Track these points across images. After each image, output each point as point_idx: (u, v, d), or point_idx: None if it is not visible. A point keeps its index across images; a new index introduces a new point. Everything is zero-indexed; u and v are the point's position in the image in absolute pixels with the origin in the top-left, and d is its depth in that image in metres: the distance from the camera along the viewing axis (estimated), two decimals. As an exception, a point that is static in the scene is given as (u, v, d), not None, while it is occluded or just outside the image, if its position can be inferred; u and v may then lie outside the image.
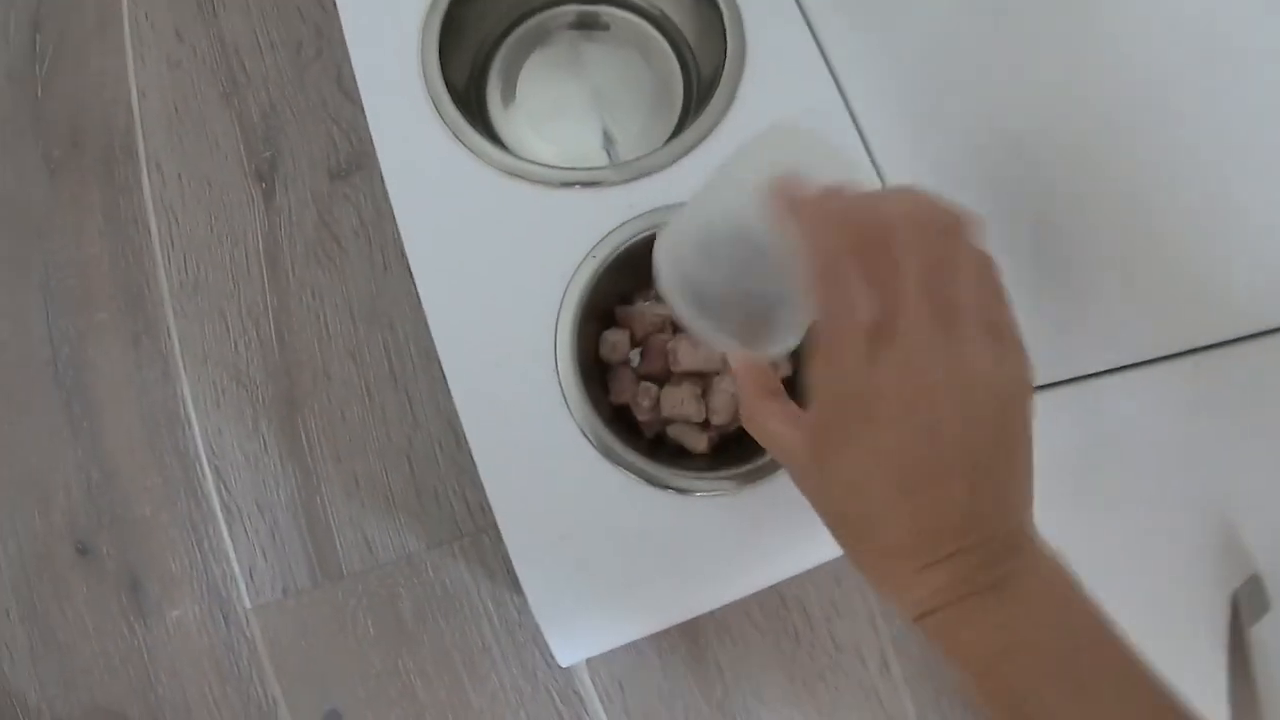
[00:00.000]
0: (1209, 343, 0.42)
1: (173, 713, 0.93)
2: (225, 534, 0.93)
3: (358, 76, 0.68)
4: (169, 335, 0.97)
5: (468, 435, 0.60)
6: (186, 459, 0.94)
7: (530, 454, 0.61)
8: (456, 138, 0.66)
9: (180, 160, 1.03)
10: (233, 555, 0.92)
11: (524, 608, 0.89)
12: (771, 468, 0.61)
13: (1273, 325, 0.38)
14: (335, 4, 0.71)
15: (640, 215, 0.63)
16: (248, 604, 0.92)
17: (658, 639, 0.88)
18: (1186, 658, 0.48)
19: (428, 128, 0.66)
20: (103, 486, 0.97)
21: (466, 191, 0.65)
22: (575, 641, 0.61)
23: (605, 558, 0.60)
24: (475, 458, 0.60)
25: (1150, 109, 0.41)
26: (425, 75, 0.68)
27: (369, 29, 0.70)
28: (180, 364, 0.96)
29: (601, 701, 0.87)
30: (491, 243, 0.64)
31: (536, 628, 0.86)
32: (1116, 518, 0.54)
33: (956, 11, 0.52)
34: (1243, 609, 0.43)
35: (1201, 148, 0.39)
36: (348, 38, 0.70)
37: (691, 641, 0.88)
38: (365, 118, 0.67)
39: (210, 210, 1.00)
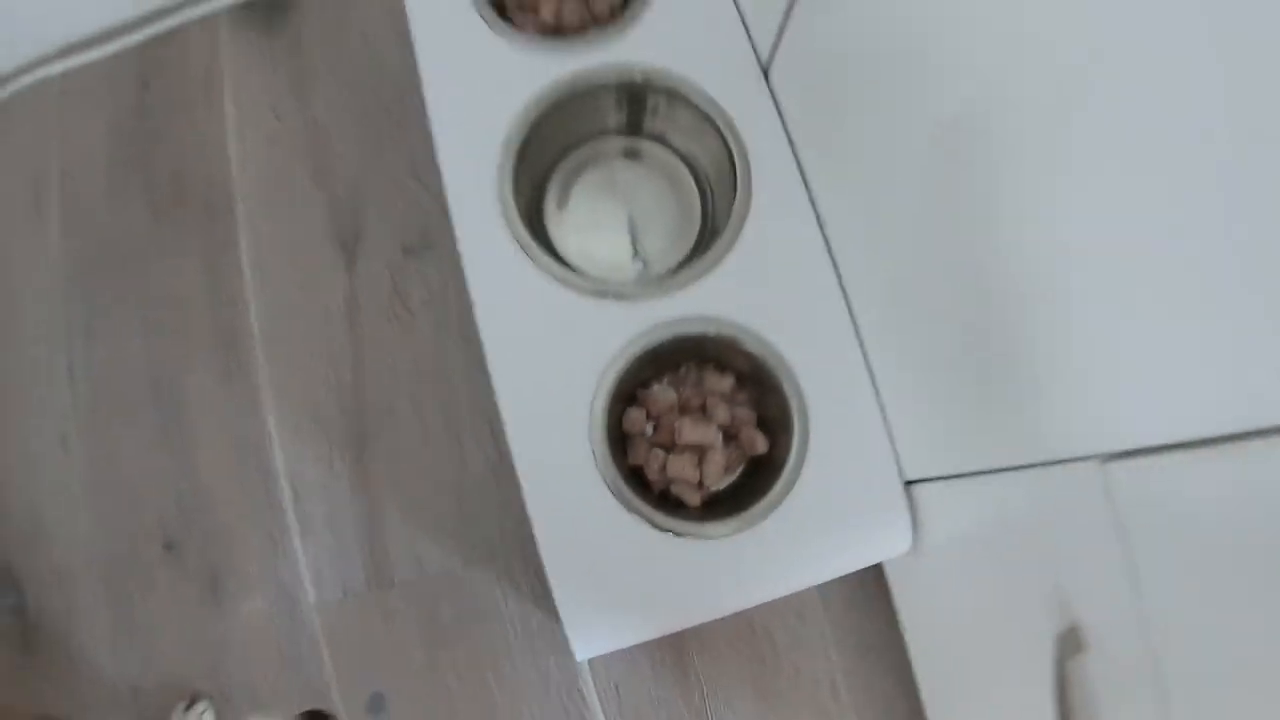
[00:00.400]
0: (1050, 460, 0.61)
1: (239, 689, 1.11)
2: (297, 543, 1.11)
3: (448, 196, 0.88)
4: (258, 374, 1.16)
5: (521, 482, 0.80)
6: (269, 478, 1.13)
7: (566, 498, 0.80)
8: (523, 251, 0.86)
9: (273, 224, 1.22)
10: (302, 560, 1.11)
11: (542, 620, 1.07)
12: (748, 523, 0.80)
13: (1080, 455, 0.57)
14: (425, 104, 0.91)
15: (660, 325, 0.83)
16: (311, 601, 1.10)
17: (649, 652, 1.06)
18: (1025, 686, 0.67)
19: (502, 242, 0.86)
20: (192, 496, 1.16)
21: (529, 294, 0.84)
22: (590, 642, 0.80)
23: (617, 580, 0.79)
24: (526, 498, 0.79)
25: (1014, 306, 0.60)
26: (501, 199, 0.87)
27: (460, 156, 0.90)
28: (267, 398, 1.15)
29: (600, 701, 1.06)
30: (547, 335, 0.83)
31: (551, 637, 1.05)
32: (984, 578, 0.74)
33: (915, 211, 0.71)
34: (1064, 649, 0.62)
35: (1044, 331, 0.58)
36: (441, 163, 0.89)
37: (678, 656, 1.06)
38: (436, 205, 0.85)
39: (299, 270, 1.19)
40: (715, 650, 1.07)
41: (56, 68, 1.35)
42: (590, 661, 1.07)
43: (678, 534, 0.80)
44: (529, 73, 0.91)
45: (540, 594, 1.08)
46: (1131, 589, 0.55)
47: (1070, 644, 0.62)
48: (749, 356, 0.83)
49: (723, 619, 1.05)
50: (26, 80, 1.35)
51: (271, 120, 1.28)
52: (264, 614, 1.11)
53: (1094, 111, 0.48)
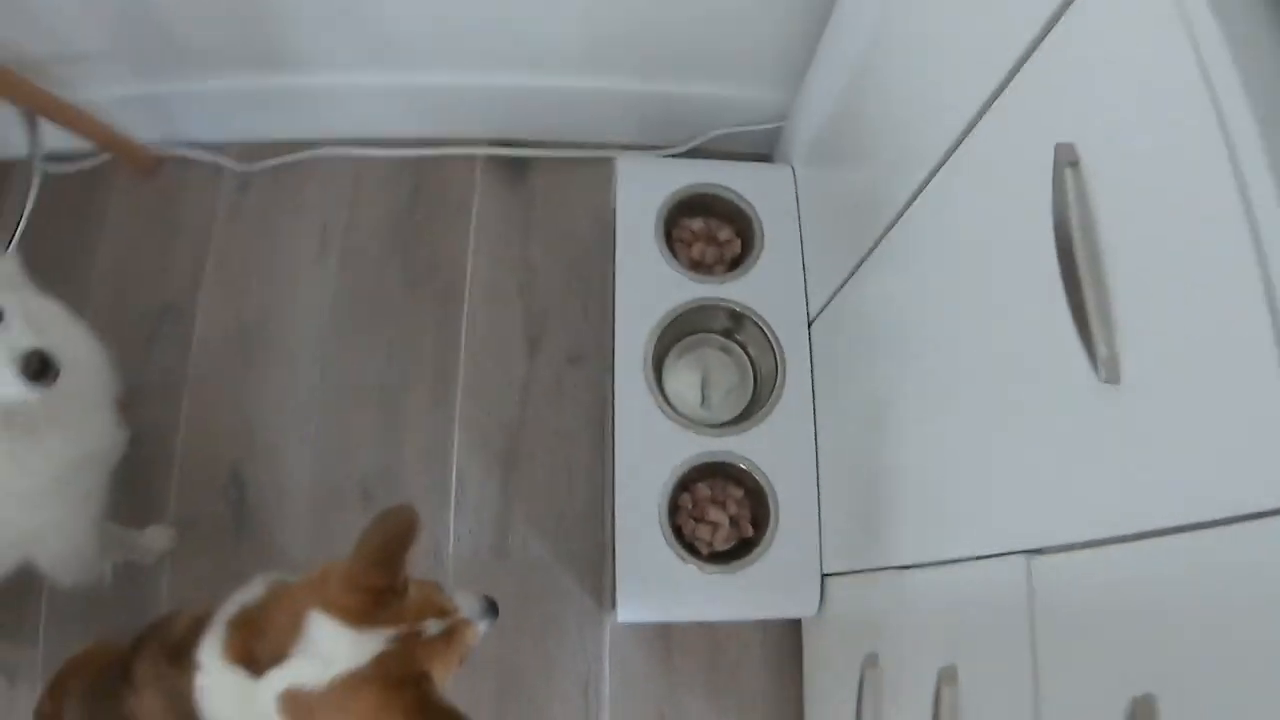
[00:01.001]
0: (873, 568, 1.26)
1: (388, 597, 1.75)
2: (452, 514, 1.77)
3: (616, 343, 1.56)
4: (455, 407, 1.84)
5: (617, 517, 1.45)
6: (445, 470, 1.79)
7: (639, 532, 1.46)
8: (649, 390, 1.53)
9: (487, 315, 1.90)
10: (453, 525, 1.77)
11: (591, 605, 1.72)
12: (732, 571, 1.45)
13: (890, 565, 1.22)
14: (614, 285, 1.58)
15: (711, 451, 1.49)
16: (450, 553, 1.75)
17: (650, 642, 1.70)
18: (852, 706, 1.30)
19: (639, 380, 1.53)
20: (391, 468, 1.81)
21: (648, 415, 1.51)
22: (631, 613, 1.45)
23: (655, 583, 1.44)
24: (616, 527, 1.45)
25: (876, 496, 1.26)
26: (645, 356, 1.55)
27: (629, 322, 1.57)
28: (458, 425, 1.82)
29: (609, 665, 1.69)
30: (651, 439, 1.50)
31: (594, 618, 1.69)
32: (840, 630, 1.38)
33: (855, 425, 1.38)
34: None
35: (884, 512, 1.24)
36: (616, 322, 1.57)
37: (665, 650, 1.70)
38: (593, 336, 1.52)
39: (497, 349, 1.86)
40: (687, 651, 1.70)
41: (354, 151, 2.01)
42: (612, 638, 1.71)
43: (699, 567, 1.45)
44: (677, 289, 1.60)
45: (594, 588, 1.73)
46: (900, 631, 1.20)
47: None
48: (755, 481, 1.50)
49: (696, 633, 1.70)
50: (332, 151, 2.02)
51: (500, 246, 1.96)
52: (418, 551, 1.75)
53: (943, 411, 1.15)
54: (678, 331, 1.64)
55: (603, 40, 1.73)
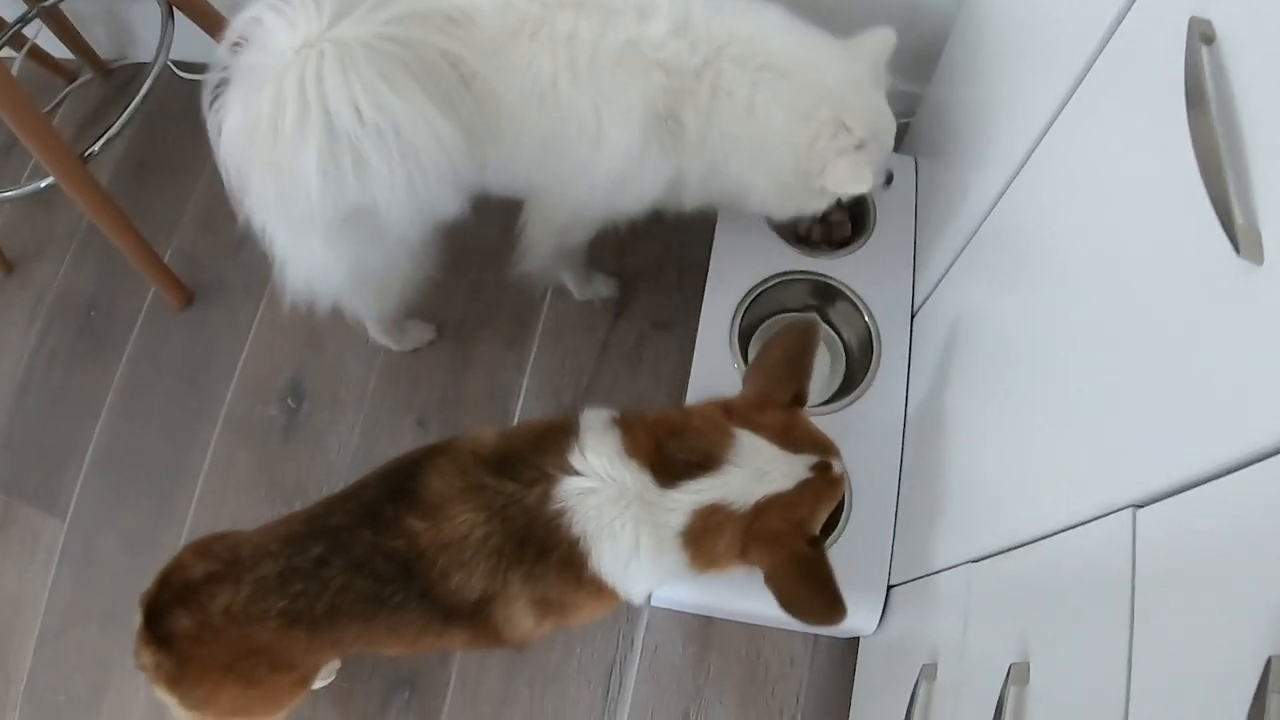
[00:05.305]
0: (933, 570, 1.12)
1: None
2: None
3: (703, 311, 1.46)
4: (530, 352, 1.76)
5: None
6: (506, 411, 1.72)
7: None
8: (731, 356, 1.42)
9: (576, 272, 1.84)
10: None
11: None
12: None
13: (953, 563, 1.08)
14: (710, 263, 1.49)
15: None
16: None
17: (689, 634, 1.56)
18: None
19: (722, 347, 1.43)
20: (451, 400, 1.74)
21: (724, 383, 1.41)
22: (672, 590, 1.33)
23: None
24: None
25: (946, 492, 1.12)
26: (732, 320, 1.45)
27: (718, 294, 1.48)
28: (527, 369, 1.75)
29: (640, 650, 1.56)
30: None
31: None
32: (892, 646, 1.23)
33: (951, 414, 1.25)
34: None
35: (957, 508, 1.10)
36: (706, 294, 1.48)
37: (703, 648, 1.56)
38: (684, 306, 1.43)
39: (582, 306, 1.80)
40: (726, 655, 1.57)
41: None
42: (649, 621, 1.58)
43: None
44: (776, 259, 1.50)
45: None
46: (965, 634, 1.05)
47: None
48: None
49: (739, 635, 1.56)
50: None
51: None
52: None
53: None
54: (771, 305, 1.54)
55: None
